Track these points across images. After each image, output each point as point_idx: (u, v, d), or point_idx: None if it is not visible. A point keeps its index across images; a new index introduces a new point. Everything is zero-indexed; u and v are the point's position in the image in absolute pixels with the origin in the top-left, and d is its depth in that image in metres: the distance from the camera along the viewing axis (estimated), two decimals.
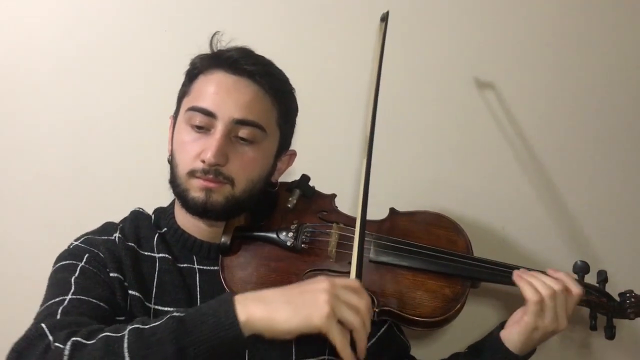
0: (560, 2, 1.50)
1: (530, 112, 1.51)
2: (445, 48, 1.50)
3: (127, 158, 1.47)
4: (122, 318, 1.02)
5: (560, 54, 1.51)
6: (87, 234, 1.13)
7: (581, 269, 1.13)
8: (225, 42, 1.11)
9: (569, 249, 1.50)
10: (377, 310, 1.07)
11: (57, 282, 1.02)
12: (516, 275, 1.09)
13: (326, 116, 1.47)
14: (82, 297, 0.97)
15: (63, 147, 1.45)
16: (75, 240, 1.11)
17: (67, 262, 1.05)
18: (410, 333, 1.26)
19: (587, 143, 1.53)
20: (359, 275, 0.97)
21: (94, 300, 0.98)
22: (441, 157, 1.51)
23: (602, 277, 1.15)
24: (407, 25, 1.47)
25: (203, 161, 1.03)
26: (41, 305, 0.99)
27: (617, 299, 1.14)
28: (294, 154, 1.21)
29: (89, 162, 1.46)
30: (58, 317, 0.92)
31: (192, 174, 1.05)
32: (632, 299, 1.12)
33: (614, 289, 1.16)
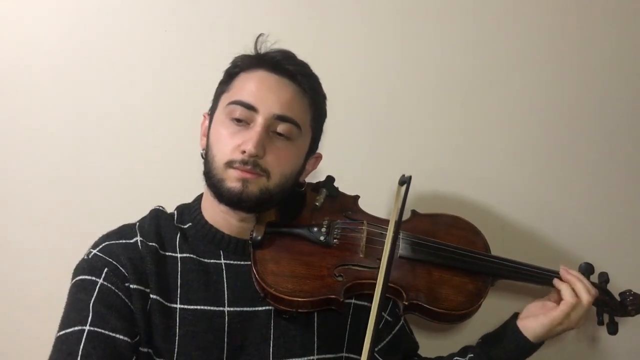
0: (563, 1, 1.57)
1: (532, 112, 1.58)
2: (447, 45, 1.55)
3: (128, 158, 1.47)
4: (137, 338, 1.03)
5: (562, 51, 1.57)
6: (104, 238, 1.12)
7: (586, 270, 1.21)
8: (270, 43, 1.15)
9: (570, 245, 1.58)
10: (406, 303, 1.12)
11: (77, 302, 1.04)
12: (563, 271, 1.17)
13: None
14: (99, 329, 1.00)
15: (63, 147, 1.44)
16: (94, 248, 1.10)
17: (86, 277, 1.06)
18: (425, 328, 1.29)
19: (590, 141, 1.60)
20: (388, 270, 1.02)
21: (111, 334, 1.00)
22: (442, 156, 1.57)
23: (604, 278, 1.24)
24: (408, 23, 1.53)
25: (243, 152, 1.06)
26: (61, 325, 1.02)
27: (618, 298, 1.23)
28: (319, 157, 1.25)
29: (89, 162, 1.45)
30: None
31: (230, 164, 1.07)
32: (631, 297, 1.21)
33: (613, 289, 1.24)
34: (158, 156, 1.47)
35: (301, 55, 1.16)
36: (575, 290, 1.13)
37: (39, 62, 1.42)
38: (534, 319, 1.14)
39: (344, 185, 1.26)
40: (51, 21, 1.42)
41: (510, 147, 1.59)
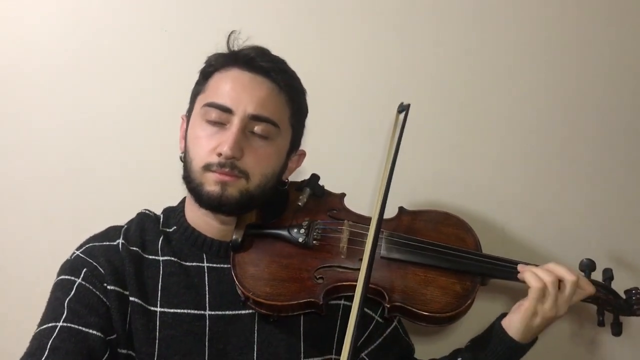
0: (561, 1, 1.53)
1: (531, 112, 1.54)
2: (445, 46, 1.51)
3: (127, 157, 1.47)
4: (114, 336, 1.03)
5: (561, 52, 1.53)
6: (89, 240, 1.13)
7: (587, 267, 1.14)
8: (242, 41, 1.12)
9: (571, 247, 1.51)
10: (388, 306, 1.08)
11: (54, 301, 1.05)
12: (520, 267, 1.12)
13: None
14: (72, 325, 1.00)
15: (62, 147, 1.45)
16: (77, 249, 1.12)
17: (66, 277, 1.07)
18: (417, 330, 1.26)
19: (588, 141, 1.56)
20: (369, 271, 0.97)
21: (83, 330, 1.00)
22: (443, 156, 1.53)
23: (608, 274, 1.16)
24: (404, 23, 1.50)
25: (219, 154, 1.04)
26: (38, 324, 1.03)
27: (623, 296, 1.16)
28: (303, 154, 1.22)
29: (89, 161, 1.46)
30: (44, 356, 0.96)
31: (207, 167, 1.06)
32: (638, 296, 1.13)
33: (618, 286, 1.17)
34: (158, 156, 1.46)
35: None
36: (537, 275, 1.08)
37: (38, 62, 1.43)
38: (513, 315, 1.09)
39: (330, 184, 1.23)
40: (51, 21, 1.43)
41: (509, 147, 1.55)
